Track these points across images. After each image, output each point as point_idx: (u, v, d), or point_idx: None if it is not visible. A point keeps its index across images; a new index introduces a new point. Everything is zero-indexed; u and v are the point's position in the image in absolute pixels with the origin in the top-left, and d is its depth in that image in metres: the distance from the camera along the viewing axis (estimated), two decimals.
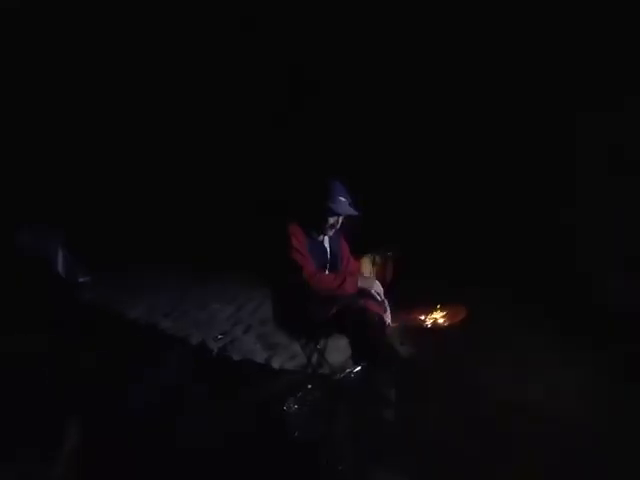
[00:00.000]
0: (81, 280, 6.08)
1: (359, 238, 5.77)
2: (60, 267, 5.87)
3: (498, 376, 4.40)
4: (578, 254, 6.83)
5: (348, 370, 3.74)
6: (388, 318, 3.90)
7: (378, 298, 3.77)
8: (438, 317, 5.74)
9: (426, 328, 5.61)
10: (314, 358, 4.02)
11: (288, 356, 4.83)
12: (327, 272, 3.90)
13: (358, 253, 5.62)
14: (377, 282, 3.82)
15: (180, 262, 8.61)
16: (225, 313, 6.21)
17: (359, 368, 3.69)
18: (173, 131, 10.88)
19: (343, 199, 3.73)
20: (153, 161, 10.68)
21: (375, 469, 3.10)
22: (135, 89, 10.62)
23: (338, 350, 4.40)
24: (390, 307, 4.02)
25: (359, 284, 3.70)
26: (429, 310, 5.92)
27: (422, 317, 5.77)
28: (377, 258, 6.45)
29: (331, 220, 3.75)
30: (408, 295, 6.18)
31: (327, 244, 3.99)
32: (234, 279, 7.47)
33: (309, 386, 3.72)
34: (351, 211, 3.75)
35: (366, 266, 6.29)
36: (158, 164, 10.67)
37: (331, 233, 3.88)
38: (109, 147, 10.62)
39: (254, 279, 6.66)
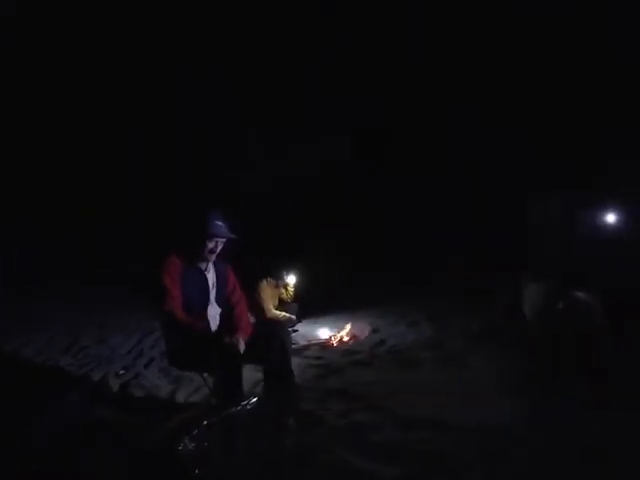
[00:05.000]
0: None
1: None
2: None
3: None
4: None
5: (244, 402, 3.67)
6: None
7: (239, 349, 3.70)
8: (344, 335, 6.01)
9: (333, 347, 5.87)
10: (215, 391, 3.96)
11: (192, 389, 4.66)
12: (212, 301, 3.97)
13: (255, 277, 6.17)
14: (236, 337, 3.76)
15: (76, 293, 8.54)
16: (126, 347, 6.02)
17: (254, 399, 3.71)
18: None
19: (220, 223, 3.85)
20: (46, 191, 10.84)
21: None
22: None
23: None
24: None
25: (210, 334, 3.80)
26: (335, 329, 6.25)
27: (328, 337, 6.07)
28: (277, 281, 6.52)
29: (210, 244, 3.80)
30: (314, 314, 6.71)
31: (211, 274, 4.00)
32: (134, 310, 7.28)
33: (204, 422, 3.54)
34: (228, 234, 3.87)
35: (264, 290, 6.29)
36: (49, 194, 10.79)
37: (212, 259, 3.91)
38: None
39: (153, 310, 6.64)
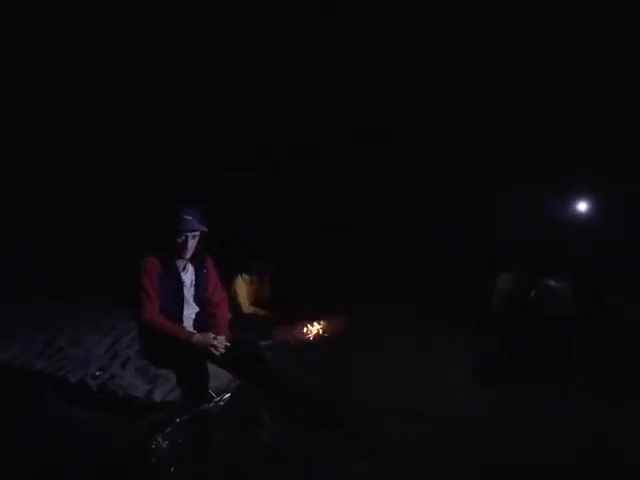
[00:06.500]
0: None
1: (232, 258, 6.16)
2: None
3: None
4: None
5: (216, 399, 3.65)
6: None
7: (216, 353, 3.65)
8: (320, 329, 6.06)
9: (309, 341, 5.96)
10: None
11: (169, 388, 4.63)
12: (189, 300, 3.89)
13: (230, 273, 6.19)
14: (216, 337, 3.72)
15: (52, 294, 8.47)
16: (102, 347, 5.96)
17: (227, 395, 3.68)
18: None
19: (189, 217, 3.70)
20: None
21: None
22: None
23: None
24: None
25: (194, 339, 3.64)
26: (310, 323, 6.16)
27: (304, 331, 6.06)
28: (251, 277, 6.51)
29: (179, 240, 3.68)
30: (290, 308, 6.55)
31: (188, 274, 3.90)
32: (109, 310, 7.22)
33: (177, 420, 3.52)
34: (198, 227, 3.73)
35: (240, 286, 6.33)
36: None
37: (187, 255, 3.77)
38: None
39: (128, 309, 6.63)
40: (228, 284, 6.11)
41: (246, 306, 6.25)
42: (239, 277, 6.32)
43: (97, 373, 5.14)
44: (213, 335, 3.67)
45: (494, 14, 9.11)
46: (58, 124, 11.07)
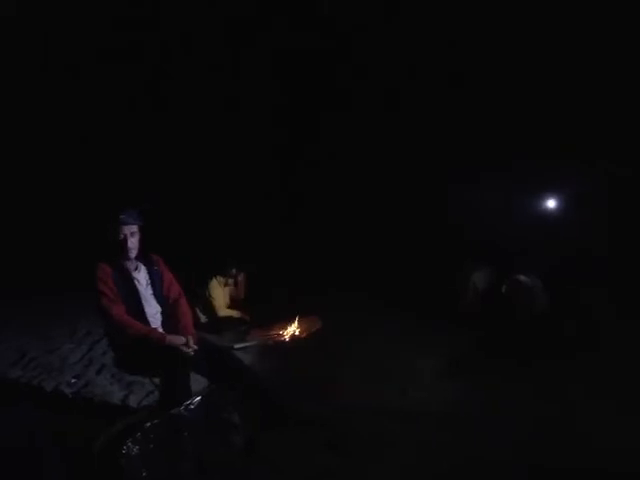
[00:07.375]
0: None
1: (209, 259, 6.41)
2: None
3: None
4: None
5: (187, 402, 3.53)
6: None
7: (191, 352, 3.68)
8: (295, 330, 6.00)
9: (285, 342, 5.91)
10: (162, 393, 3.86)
11: (145, 393, 4.60)
12: (149, 300, 3.91)
13: (206, 275, 6.29)
14: (186, 337, 3.75)
15: (25, 301, 8.27)
16: (77, 354, 5.85)
17: (198, 399, 3.56)
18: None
19: (123, 215, 3.77)
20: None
21: None
22: None
23: None
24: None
25: (167, 340, 3.66)
26: (286, 324, 6.13)
27: (280, 332, 6.02)
28: (227, 279, 6.50)
29: (119, 239, 3.74)
30: (266, 310, 6.59)
31: (142, 272, 3.95)
32: (84, 316, 6.99)
33: (147, 424, 3.41)
34: (133, 221, 3.80)
35: (215, 288, 6.30)
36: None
37: (132, 253, 3.83)
38: None
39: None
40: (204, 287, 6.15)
41: (222, 308, 6.21)
42: (214, 279, 6.28)
43: (72, 381, 5.08)
44: (183, 339, 3.68)
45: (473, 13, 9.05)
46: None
